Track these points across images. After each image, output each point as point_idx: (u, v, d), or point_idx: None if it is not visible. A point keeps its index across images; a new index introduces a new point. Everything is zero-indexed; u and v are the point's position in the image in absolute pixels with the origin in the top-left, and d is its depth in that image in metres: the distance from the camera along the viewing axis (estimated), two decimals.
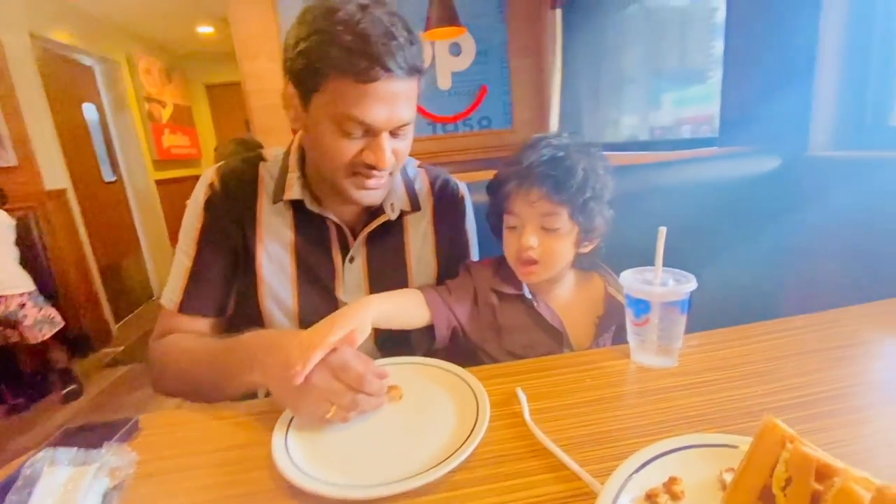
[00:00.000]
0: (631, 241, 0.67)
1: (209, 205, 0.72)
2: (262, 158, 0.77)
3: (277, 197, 0.72)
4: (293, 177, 0.72)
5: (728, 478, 0.37)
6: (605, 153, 0.72)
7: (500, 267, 0.75)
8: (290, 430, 0.50)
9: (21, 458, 0.47)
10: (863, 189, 0.96)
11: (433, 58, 2.76)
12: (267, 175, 0.75)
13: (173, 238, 4.20)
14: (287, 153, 0.75)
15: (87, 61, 3.49)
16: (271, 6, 2.60)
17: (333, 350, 0.53)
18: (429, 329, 0.73)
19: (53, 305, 2.30)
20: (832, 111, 1.08)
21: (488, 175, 0.76)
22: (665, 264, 0.60)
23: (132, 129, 3.85)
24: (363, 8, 0.57)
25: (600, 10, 2.34)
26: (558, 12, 2.59)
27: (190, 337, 0.70)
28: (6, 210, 2.28)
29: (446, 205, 0.82)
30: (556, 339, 0.73)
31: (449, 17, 2.02)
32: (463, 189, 0.85)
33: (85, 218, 3.01)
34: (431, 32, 2.09)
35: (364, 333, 0.58)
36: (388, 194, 0.73)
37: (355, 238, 0.75)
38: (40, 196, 2.66)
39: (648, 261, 0.61)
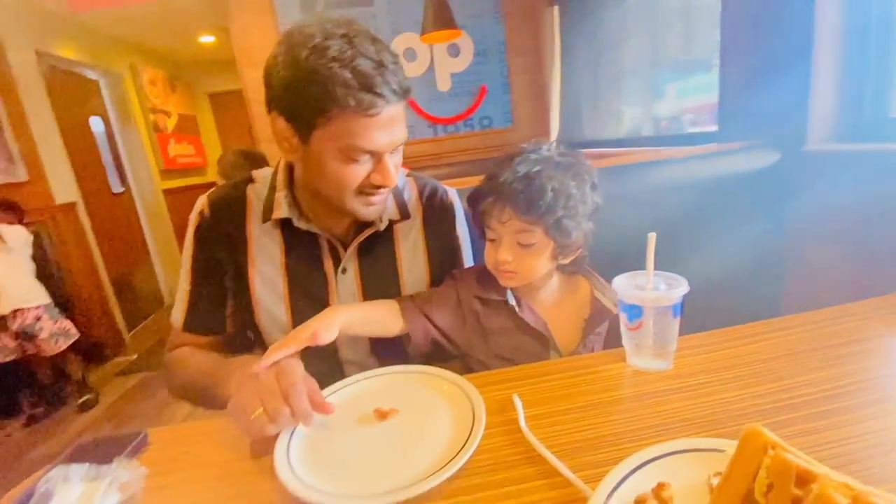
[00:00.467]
0: (631, 239, 0.68)
1: (198, 234, 0.76)
2: (251, 180, 0.79)
3: (266, 217, 0.74)
4: (280, 195, 0.74)
5: (715, 481, 0.38)
6: (592, 162, 0.72)
7: (484, 274, 0.76)
8: (291, 440, 0.52)
9: (36, 475, 0.49)
10: (863, 182, 0.95)
11: (431, 60, 2.77)
12: (255, 197, 0.77)
13: (182, 246, 4.26)
14: (274, 173, 0.77)
15: (91, 75, 3.55)
16: (271, 16, 2.63)
17: (294, 359, 0.57)
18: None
19: (67, 317, 2.36)
20: (830, 103, 1.07)
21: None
22: (664, 261, 0.60)
23: (138, 140, 3.91)
24: (349, 40, 0.59)
25: (598, 4, 2.32)
26: (556, 9, 2.59)
27: (193, 352, 0.76)
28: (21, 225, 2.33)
29: (436, 213, 0.83)
30: (541, 342, 0.74)
31: (445, 21, 2.02)
32: (452, 196, 0.86)
33: (95, 229, 3.07)
34: (428, 36, 2.09)
35: (328, 333, 0.62)
36: None
37: (346, 249, 0.77)
38: (51, 210, 2.72)
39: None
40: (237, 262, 0.76)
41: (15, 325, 2.14)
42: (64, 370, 2.37)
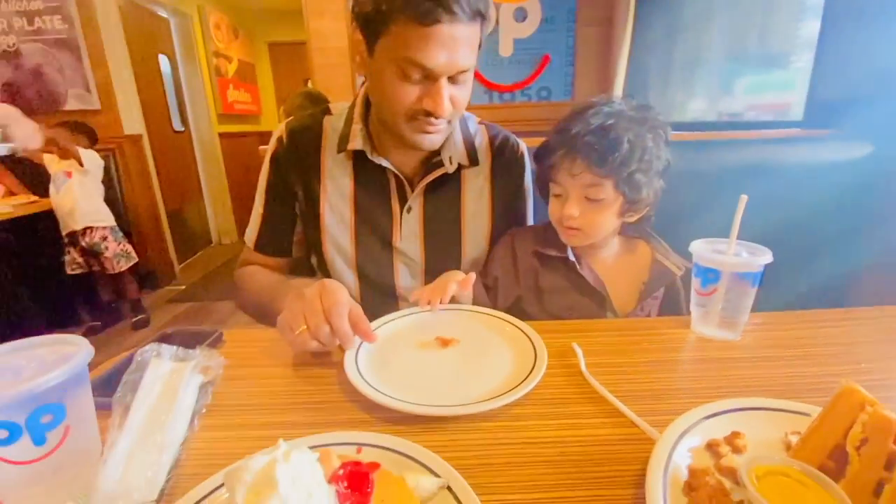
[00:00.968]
0: (704, 218, 0.65)
1: (274, 159, 0.78)
2: (328, 112, 0.80)
3: (341, 147, 0.75)
4: (357, 128, 0.74)
5: (794, 439, 0.37)
6: (673, 129, 0.70)
7: (544, 231, 0.76)
8: (359, 353, 0.54)
9: (131, 350, 0.54)
10: None
11: (497, 22, 2.68)
12: (331, 128, 0.78)
13: (233, 189, 4.43)
14: (352, 106, 0.78)
15: (163, 13, 3.65)
16: None
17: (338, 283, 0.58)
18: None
19: (128, 242, 2.52)
20: None
21: (541, 141, 0.75)
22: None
23: (200, 83, 4.03)
24: None
25: None
26: None
27: (261, 270, 0.81)
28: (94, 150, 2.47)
29: (505, 162, 0.82)
30: (598, 301, 0.73)
31: None
32: (523, 147, 0.85)
33: (156, 163, 3.23)
34: None
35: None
36: (446, 146, 0.75)
37: (413, 189, 0.77)
38: (119, 140, 2.87)
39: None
40: (309, 190, 0.78)
41: (84, 242, 2.31)
42: (122, 290, 2.55)
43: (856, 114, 1.10)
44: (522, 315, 0.77)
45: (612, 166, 0.64)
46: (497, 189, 0.81)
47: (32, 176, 2.50)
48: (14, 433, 0.33)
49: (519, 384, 0.47)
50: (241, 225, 0.84)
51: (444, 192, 0.79)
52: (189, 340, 0.58)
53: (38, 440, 0.34)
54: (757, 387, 0.49)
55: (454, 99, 0.65)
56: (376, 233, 0.78)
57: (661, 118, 0.69)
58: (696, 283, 0.59)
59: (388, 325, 0.63)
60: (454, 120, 0.71)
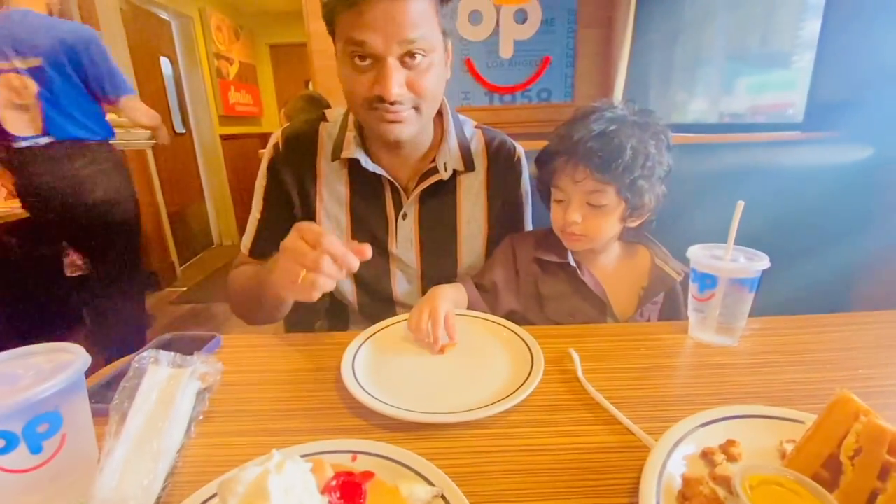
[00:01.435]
0: (703, 221, 0.65)
1: (271, 166, 0.78)
2: (324, 119, 0.80)
3: (335, 155, 0.75)
4: (350, 136, 0.74)
5: (789, 448, 0.37)
6: (673, 131, 0.70)
7: (544, 236, 0.76)
8: (356, 359, 0.54)
9: (129, 356, 0.54)
10: None
11: (497, 24, 2.68)
12: (326, 135, 0.78)
13: (234, 192, 4.44)
14: (346, 113, 0.78)
15: (164, 15, 3.66)
16: None
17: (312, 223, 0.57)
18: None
19: None
20: None
21: (542, 144, 0.75)
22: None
23: (202, 84, 4.03)
24: None
25: None
26: None
27: (247, 267, 0.80)
28: None
29: (501, 166, 0.82)
30: (598, 307, 0.73)
31: None
32: (520, 151, 0.84)
33: (158, 165, 3.23)
34: None
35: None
36: (441, 153, 0.75)
37: (409, 195, 0.77)
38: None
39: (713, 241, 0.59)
40: (306, 197, 0.78)
41: None
42: None
43: (856, 116, 1.10)
44: (523, 321, 0.77)
45: (614, 172, 0.64)
46: (493, 194, 0.81)
47: None
48: (11, 442, 0.33)
49: (515, 391, 0.47)
50: (243, 226, 0.83)
51: (439, 197, 0.79)
52: (188, 346, 0.59)
53: (35, 449, 0.34)
54: (754, 393, 0.49)
55: (413, 84, 0.63)
56: (372, 239, 0.78)
57: (662, 123, 0.69)
58: (693, 288, 0.59)
59: (385, 331, 0.63)
60: (424, 108, 0.67)
